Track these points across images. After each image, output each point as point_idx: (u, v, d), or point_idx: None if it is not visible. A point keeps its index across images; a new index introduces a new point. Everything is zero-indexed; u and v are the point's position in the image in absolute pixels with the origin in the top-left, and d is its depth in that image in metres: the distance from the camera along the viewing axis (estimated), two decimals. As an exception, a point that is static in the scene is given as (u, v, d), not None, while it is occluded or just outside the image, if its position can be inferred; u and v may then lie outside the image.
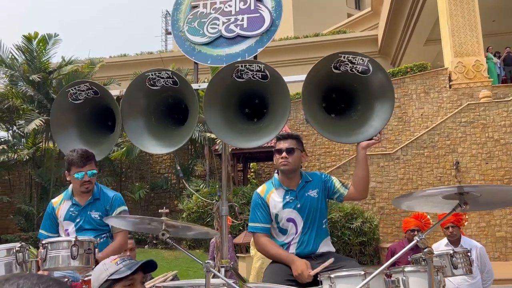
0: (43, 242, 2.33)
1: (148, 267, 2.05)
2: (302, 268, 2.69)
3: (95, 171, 3.19)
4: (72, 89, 3.31)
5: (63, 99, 3.36)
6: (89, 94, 3.33)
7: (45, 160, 17.28)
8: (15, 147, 17.51)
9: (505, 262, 13.41)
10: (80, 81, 3.40)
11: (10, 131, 18.47)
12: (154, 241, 14.40)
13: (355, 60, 3.24)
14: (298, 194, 3.02)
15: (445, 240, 4.35)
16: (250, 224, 3.08)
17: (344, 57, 3.25)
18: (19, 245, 2.30)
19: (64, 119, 3.42)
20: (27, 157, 16.62)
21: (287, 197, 3.02)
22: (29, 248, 2.41)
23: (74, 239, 2.31)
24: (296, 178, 3.10)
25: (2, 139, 18.42)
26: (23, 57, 16.95)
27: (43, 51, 16.79)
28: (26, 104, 16.92)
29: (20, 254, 2.26)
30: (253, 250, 8.90)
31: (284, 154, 3.08)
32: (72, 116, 3.43)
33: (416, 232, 4.94)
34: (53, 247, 2.30)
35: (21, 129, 17.25)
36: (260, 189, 3.17)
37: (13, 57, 17.12)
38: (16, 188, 18.55)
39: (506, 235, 13.99)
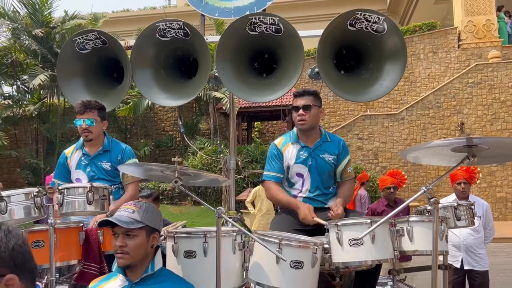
0: (60, 188, 2.40)
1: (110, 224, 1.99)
2: (305, 212, 2.76)
3: (93, 120, 3.16)
4: (79, 38, 3.27)
5: (70, 48, 3.33)
6: (97, 44, 3.30)
7: (50, 115, 17.34)
8: (20, 102, 17.52)
9: (504, 222, 13.66)
10: (88, 30, 3.36)
11: (15, 86, 18.43)
12: (161, 197, 14.65)
13: (371, 18, 3.21)
14: (313, 153, 3.04)
15: (452, 196, 4.41)
16: (264, 173, 3.15)
17: (360, 15, 3.21)
18: (37, 190, 2.38)
19: (70, 68, 3.41)
20: (35, 113, 16.68)
21: (301, 152, 3.05)
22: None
23: (89, 185, 2.38)
24: (314, 135, 3.09)
25: (7, 94, 18.41)
26: (25, 10, 16.66)
27: (45, 4, 16.48)
28: (29, 58, 16.81)
29: (38, 198, 2.34)
30: (251, 207, 9.06)
31: (300, 111, 3.01)
32: (78, 65, 3.41)
33: (392, 190, 5.02)
34: (69, 193, 2.37)
35: (25, 84, 17.21)
36: (277, 141, 3.20)
37: (15, 9, 16.84)
38: (23, 143, 18.73)
39: (507, 196, 14.17)
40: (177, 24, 3.36)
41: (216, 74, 3.59)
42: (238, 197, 12.98)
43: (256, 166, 13.98)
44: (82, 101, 3.19)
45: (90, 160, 3.21)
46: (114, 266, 2.04)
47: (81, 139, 3.28)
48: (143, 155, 17.16)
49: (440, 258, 2.72)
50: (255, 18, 3.31)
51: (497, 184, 14.27)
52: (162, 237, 2.50)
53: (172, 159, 2.21)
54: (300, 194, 3.04)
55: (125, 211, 2.01)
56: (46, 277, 2.18)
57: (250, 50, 3.54)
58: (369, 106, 16.79)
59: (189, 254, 2.28)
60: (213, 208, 2.13)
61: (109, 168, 3.19)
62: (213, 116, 15.49)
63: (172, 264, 2.32)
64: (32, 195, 2.35)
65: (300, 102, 3.06)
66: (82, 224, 2.53)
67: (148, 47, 3.49)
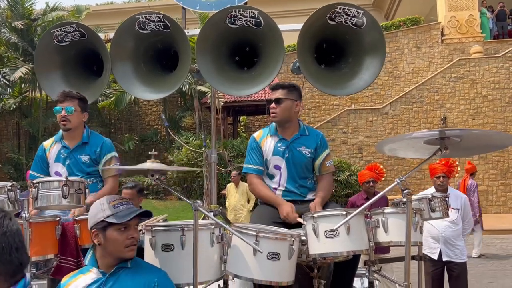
0: (34, 181, 2.37)
1: (144, 214, 2.11)
2: (287, 210, 2.80)
3: (72, 109, 3.09)
4: (57, 30, 3.23)
5: (48, 40, 3.29)
6: (75, 36, 3.26)
7: (32, 109, 17.09)
8: (1, 96, 17.23)
9: (485, 215, 13.86)
10: (66, 22, 3.32)
11: (-5, 80, 18.12)
12: (145, 191, 14.59)
13: (351, 12, 3.23)
14: (290, 146, 3.05)
15: (432, 189, 4.48)
16: (244, 165, 3.17)
17: (340, 9, 3.23)
18: (10, 184, 2.35)
19: (49, 61, 3.37)
20: (14, 106, 16.43)
21: (279, 145, 3.07)
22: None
23: (65, 179, 2.36)
24: (292, 128, 3.10)
25: (-12, 88, 18.09)
26: (6, 2, 16.37)
27: (26, -5, 16.25)
28: (10, 51, 16.53)
29: (11, 192, 2.32)
30: (228, 202, 9.18)
31: (272, 104, 3.04)
32: (57, 58, 3.37)
33: (371, 183, 5.09)
34: (44, 187, 2.35)
35: (6, 77, 16.92)
36: (256, 134, 3.22)
37: (-5, 2, 16.55)
38: (4, 137, 18.44)
39: (487, 189, 14.45)
40: (156, 16, 3.35)
41: (198, 67, 3.59)
42: (223, 191, 13.00)
43: (242, 160, 13.89)
44: (63, 90, 3.15)
45: (70, 153, 3.17)
46: (87, 259, 2.04)
47: (60, 131, 3.23)
48: (127, 149, 17.03)
49: (416, 249, 2.77)
50: (235, 11, 3.32)
51: (478, 177, 14.48)
52: (141, 231, 2.50)
53: (149, 152, 2.20)
54: (279, 187, 3.06)
55: (130, 204, 2.07)
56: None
57: (231, 43, 3.54)
58: (353, 100, 16.91)
59: (167, 247, 2.29)
60: (190, 202, 2.14)
61: (87, 161, 3.15)
62: (198, 110, 15.42)
63: (150, 258, 2.32)
64: (6, 189, 2.33)
65: (273, 95, 3.07)
66: (58, 218, 2.51)
67: (128, 40, 3.47)
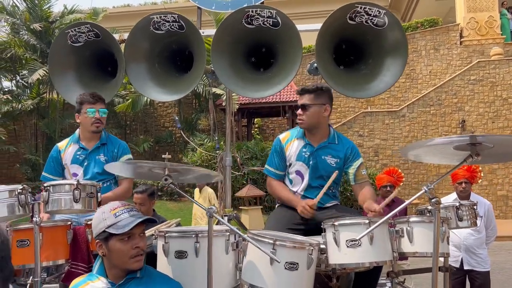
0: (45, 185, 2.32)
1: (147, 221, 1.99)
2: (305, 202, 2.68)
3: (106, 110, 3.12)
4: (72, 31, 3.19)
5: (62, 41, 3.25)
6: (90, 37, 3.21)
7: (49, 110, 17.26)
8: (20, 97, 17.44)
9: (505, 220, 13.58)
10: (80, 22, 3.28)
11: (14, 81, 18.35)
12: (160, 193, 14.60)
13: (372, 11, 3.12)
14: (315, 153, 2.91)
15: (453, 195, 4.31)
16: (266, 166, 3.08)
17: (360, 8, 3.12)
18: (21, 187, 2.28)
19: (63, 62, 3.33)
20: (32, 107, 16.61)
21: (304, 150, 2.94)
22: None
23: (76, 182, 2.29)
24: (320, 134, 2.95)
25: (6, 89, 18.32)
26: (25, 4, 16.58)
27: (44, -2, 16.43)
28: (28, 53, 16.72)
29: (22, 196, 2.25)
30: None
31: (299, 111, 2.90)
32: (71, 59, 3.33)
33: (389, 188, 4.92)
34: (55, 190, 2.29)
35: (24, 79, 17.12)
36: (282, 136, 3.08)
37: (14, 4, 16.76)
38: (22, 138, 18.64)
39: (508, 194, 14.08)
40: (171, 16, 3.28)
41: (213, 68, 3.51)
42: (238, 194, 12.94)
43: (256, 163, 13.88)
44: (92, 92, 3.13)
45: (88, 154, 3.13)
46: (95, 268, 1.95)
47: (76, 132, 3.19)
48: (142, 151, 17.08)
49: (441, 259, 2.64)
50: (252, 11, 3.23)
51: (498, 182, 14.17)
52: (153, 236, 2.42)
53: (163, 155, 2.13)
54: (300, 192, 2.95)
55: (134, 211, 1.95)
56: (31, 277, 2.11)
57: (247, 44, 3.46)
58: (369, 103, 16.70)
59: (181, 255, 2.21)
60: (204, 207, 2.05)
61: (105, 162, 3.11)
62: (213, 112, 15.39)
63: (163, 264, 2.24)
64: (16, 193, 2.27)
65: (300, 101, 2.92)
66: (70, 223, 2.45)
67: (142, 40, 3.41)
